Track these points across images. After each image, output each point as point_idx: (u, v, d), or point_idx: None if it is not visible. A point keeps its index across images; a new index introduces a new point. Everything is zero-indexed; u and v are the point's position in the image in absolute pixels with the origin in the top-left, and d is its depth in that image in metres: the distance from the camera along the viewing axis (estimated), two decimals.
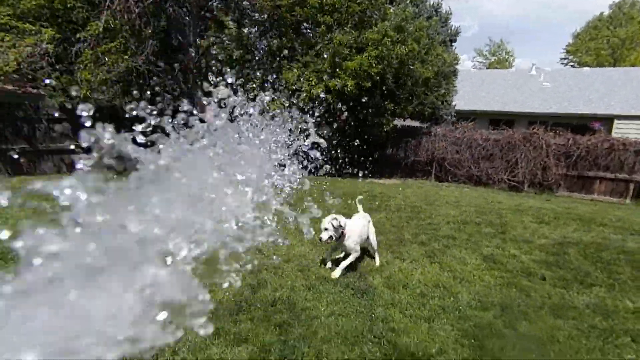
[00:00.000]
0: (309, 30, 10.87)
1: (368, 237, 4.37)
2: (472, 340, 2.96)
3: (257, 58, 11.66)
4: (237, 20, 11.21)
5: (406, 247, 5.10)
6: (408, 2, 12.29)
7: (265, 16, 10.78)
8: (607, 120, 14.15)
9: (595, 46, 35.24)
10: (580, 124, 13.75)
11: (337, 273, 4.00)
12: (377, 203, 7.76)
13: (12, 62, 11.18)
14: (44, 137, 9.71)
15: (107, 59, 10.54)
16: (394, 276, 4.10)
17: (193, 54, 11.18)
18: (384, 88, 10.51)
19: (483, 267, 4.55)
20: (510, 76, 20.06)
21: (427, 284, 3.97)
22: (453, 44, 14.09)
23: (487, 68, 35.36)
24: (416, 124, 13.88)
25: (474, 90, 18.30)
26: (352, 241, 4.04)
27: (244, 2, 10.80)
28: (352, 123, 10.98)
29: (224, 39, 12.20)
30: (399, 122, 12.79)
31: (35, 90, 12.71)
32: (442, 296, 3.71)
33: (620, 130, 13.55)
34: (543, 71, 19.46)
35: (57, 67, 12.67)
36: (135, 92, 12.20)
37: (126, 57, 10.43)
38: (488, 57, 39.23)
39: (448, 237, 5.60)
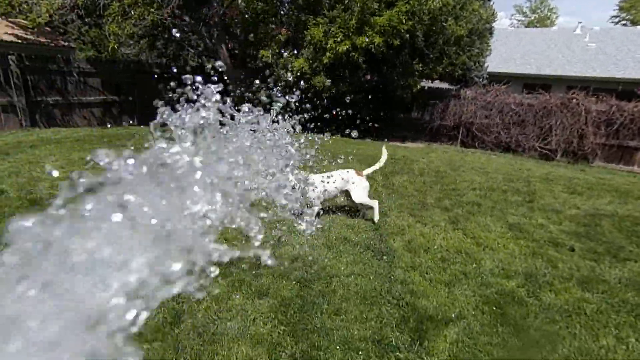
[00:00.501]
0: None
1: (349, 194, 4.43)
2: (494, 308, 2.92)
3: (282, 12, 11.16)
4: None
5: (429, 212, 5.00)
6: None
7: None
8: None
9: None
10: (626, 90, 12.71)
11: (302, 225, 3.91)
12: (399, 166, 7.59)
13: (45, 14, 11.19)
14: (76, 89, 9.87)
15: (133, 12, 10.36)
16: (415, 240, 4.05)
17: (217, 8, 10.80)
18: (413, 46, 9.91)
19: (508, 236, 4.42)
20: (551, 35, 18.51)
21: (449, 249, 3.91)
22: None
23: (526, 27, 32.68)
24: (445, 85, 13.22)
25: (509, 51, 17.08)
26: (312, 195, 4.22)
27: None
28: (378, 83, 10.54)
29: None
30: (426, 84, 12.21)
31: (66, 44, 12.80)
32: (464, 262, 3.65)
33: None
34: (589, 30, 17.80)
35: (87, 20, 12.61)
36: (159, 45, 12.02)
37: (152, 9, 10.21)
38: (528, 15, 36.17)
39: (473, 204, 5.45)
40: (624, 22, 33.15)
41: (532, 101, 10.60)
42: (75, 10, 11.92)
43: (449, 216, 4.89)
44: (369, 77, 10.81)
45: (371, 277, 3.22)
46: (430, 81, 12.49)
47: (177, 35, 11.92)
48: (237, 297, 2.82)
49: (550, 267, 3.73)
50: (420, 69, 10.42)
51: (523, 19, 36.31)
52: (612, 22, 34.19)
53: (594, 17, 57.62)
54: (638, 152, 9.61)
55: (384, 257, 3.61)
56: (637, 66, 13.91)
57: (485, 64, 12.82)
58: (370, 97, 10.58)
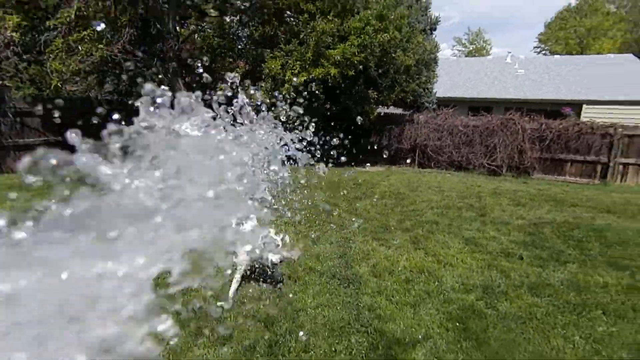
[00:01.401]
0: (292, 19, 10.73)
1: None
2: (457, 324, 3.14)
3: (239, 47, 11.46)
4: (219, 8, 10.91)
5: (391, 234, 5.26)
6: None
7: (248, 4, 10.55)
8: (577, 106, 14.69)
9: (564, 35, 36.89)
10: (552, 110, 14.24)
11: None
12: (362, 191, 7.91)
13: None
14: (10, 131, 9.25)
15: (80, 48, 10.12)
16: (380, 264, 4.24)
17: (172, 43, 10.88)
18: (367, 76, 10.55)
19: (465, 250, 4.76)
20: (487, 64, 20.43)
21: (412, 269, 4.14)
22: (433, 32, 14.18)
23: (466, 56, 35.85)
24: (399, 111, 14.03)
25: (453, 77, 18.56)
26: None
27: None
28: (337, 112, 11.00)
29: (205, 27, 11.89)
30: (382, 110, 12.91)
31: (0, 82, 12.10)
32: (427, 281, 3.88)
33: (588, 114, 14.08)
34: (517, 59, 19.93)
35: (25, 57, 12.05)
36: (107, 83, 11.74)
37: (101, 45, 10.05)
38: (467, 46, 39.87)
39: (431, 223, 5.80)
40: (544, 52, 37.88)
41: (477, 122, 11.54)
42: (11, 47, 11.42)
43: (410, 237, 5.17)
44: (328, 106, 11.26)
45: (338, 307, 3.28)
46: (385, 107, 13.22)
47: (131, 69, 11.76)
48: (198, 347, 2.69)
49: (504, 277, 4.06)
50: (375, 96, 11.05)
51: (463, 49, 39.96)
52: (535, 52, 38.85)
53: (520, 48, 64.95)
54: (567, 163, 10.75)
55: (350, 285, 3.74)
56: (557, 89, 15.72)
57: (434, 90, 13.84)
58: (331, 125, 11.01)
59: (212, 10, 10.81)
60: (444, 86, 16.66)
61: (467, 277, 4.05)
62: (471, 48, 39.58)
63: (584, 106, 14.63)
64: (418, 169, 11.96)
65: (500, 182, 10.01)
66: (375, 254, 4.53)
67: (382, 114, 12.71)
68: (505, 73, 18.32)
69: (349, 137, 12.29)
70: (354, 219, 5.61)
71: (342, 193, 7.51)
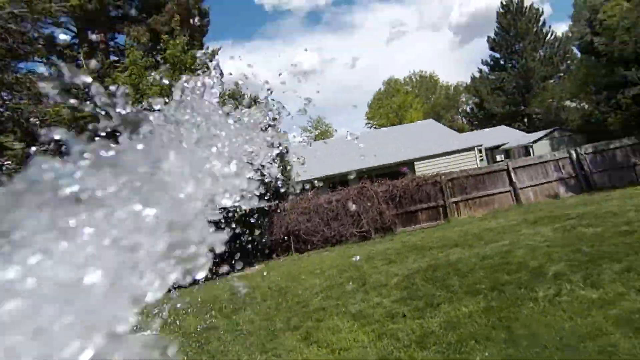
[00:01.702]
0: None
1: None
2: None
3: None
4: (23, 139, 9.61)
5: (280, 339, 4.81)
6: (227, 96, 13.23)
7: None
8: (411, 164, 17.87)
9: (384, 112, 47.03)
10: (394, 171, 16.85)
11: None
12: (242, 300, 7.31)
13: None
14: None
15: None
16: None
17: None
18: None
19: (355, 327, 4.63)
20: (333, 143, 23.49)
21: None
22: (277, 126, 15.68)
23: (315, 140, 40.77)
24: (263, 204, 14.28)
25: (309, 161, 20.46)
26: None
27: (30, 120, 9.47)
28: None
29: (7, 162, 10.26)
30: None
31: None
32: None
33: (420, 169, 17.20)
34: (355, 135, 23.64)
35: None
36: None
37: None
38: (312, 131, 45.83)
39: (319, 310, 5.59)
40: (373, 126, 47.04)
41: (338, 197, 12.58)
42: None
43: (300, 334, 4.81)
44: None
45: None
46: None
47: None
48: None
49: (395, 341, 4.03)
50: None
51: (310, 134, 45.70)
52: (367, 127, 47.85)
53: (353, 125, 78.91)
54: (418, 213, 12.49)
55: None
56: (394, 154, 19.04)
57: (293, 176, 14.80)
58: None
59: (15, 143, 9.47)
60: (301, 169, 18.09)
61: (363, 355, 3.86)
62: (317, 132, 45.74)
63: (416, 163, 17.84)
64: (297, 255, 11.97)
65: (371, 245, 10.75)
66: None
67: (247, 210, 12.70)
68: (351, 148, 21.26)
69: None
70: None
71: (218, 309, 6.76)
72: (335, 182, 17.38)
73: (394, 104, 47.99)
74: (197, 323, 6.09)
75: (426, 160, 17.80)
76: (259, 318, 5.79)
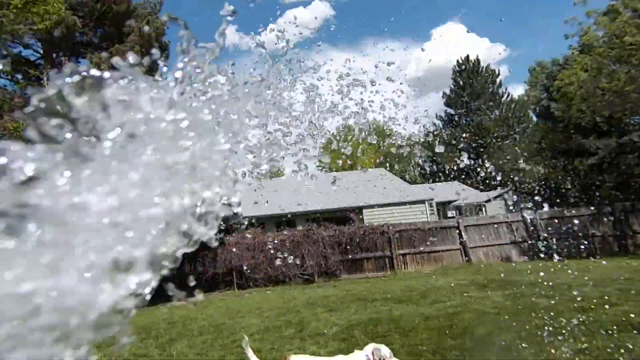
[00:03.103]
0: None
1: None
2: None
3: None
4: None
5: None
6: None
7: None
8: (359, 211, 18.39)
9: (336, 156, 48.78)
10: (341, 216, 17.25)
11: None
12: (177, 330, 6.87)
13: None
14: None
15: None
16: None
17: None
18: None
19: None
20: (283, 183, 23.60)
21: None
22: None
23: (263, 178, 40.84)
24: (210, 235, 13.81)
25: (255, 198, 20.28)
26: None
27: None
28: None
29: None
30: None
31: None
32: None
33: (368, 217, 17.77)
34: (305, 176, 24.03)
35: None
36: None
37: None
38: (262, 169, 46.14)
39: (253, 351, 5.38)
40: (324, 169, 48.19)
41: (282, 236, 12.54)
42: None
43: None
44: None
45: None
46: None
47: None
48: None
49: None
50: None
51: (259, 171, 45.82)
52: (318, 169, 48.90)
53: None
54: (364, 261, 12.74)
55: None
56: (342, 199, 19.52)
57: (239, 212, 14.55)
58: None
59: None
60: (250, 206, 17.84)
61: None
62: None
63: (364, 211, 18.35)
64: (238, 291, 11.53)
65: (313, 289, 10.69)
66: None
67: None
68: (300, 189, 21.46)
69: None
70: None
71: (154, 337, 6.33)
72: (282, 221, 17.35)
73: (344, 150, 50.09)
74: (132, 350, 5.67)
75: (375, 209, 18.42)
76: (192, 352, 5.47)
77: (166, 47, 14.15)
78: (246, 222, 14.77)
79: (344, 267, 12.61)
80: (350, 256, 12.66)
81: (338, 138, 51.12)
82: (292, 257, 12.07)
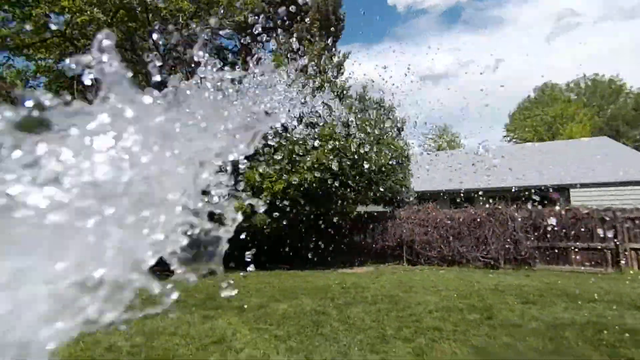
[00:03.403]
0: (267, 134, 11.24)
1: None
2: None
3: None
4: None
5: (390, 345, 4.39)
6: (354, 100, 13.37)
7: None
8: (564, 190, 14.77)
9: (531, 123, 39.31)
10: (540, 196, 14.26)
11: None
12: (351, 295, 7.08)
13: None
14: None
15: None
16: None
17: None
18: (342, 178, 10.61)
19: None
20: (461, 156, 21.45)
21: None
22: (401, 132, 15.07)
23: (437, 150, 37.84)
24: (379, 208, 13.87)
25: (430, 172, 19.16)
26: None
27: None
28: (316, 214, 10.70)
29: None
30: (362, 209, 12.70)
31: None
32: None
33: (578, 198, 14.03)
34: (490, 149, 21.06)
35: None
36: None
37: None
38: (436, 141, 42.50)
39: (433, 329, 4.91)
40: (513, 140, 40.47)
41: (462, 215, 11.27)
42: None
43: (412, 348, 4.29)
44: (306, 208, 11.02)
45: None
46: (365, 206, 13.05)
47: None
48: None
49: None
50: (353, 196, 10.92)
51: (433, 144, 42.53)
52: (505, 140, 41.52)
53: (489, 136, 69.27)
54: (570, 251, 10.05)
55: None
56: (540, 176, 16.10)
57: (412, 186, 13.98)
58: (310, 226, 10.60)
59: None
60: (421, 180, 16.99)
61: None
62: (441, 142, 41.97)
63: (571, 190, 14.61)
64: (408, 267, 11.15)
65: (499, 275, 9.23)
66: None
67: (362, 213, 12.47)
68: (481, 164, 19.04)
69: (330, 237, 11.79)
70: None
71: (330, 298, 6.73)
72: (458, 198, 15.79)
73: (547, 115, 39.44)
74: (312, 305, 6.21)
75: (589, 189, 14.34)
76: (369, 319, 5.46)
77: (342, 19, 14.56)
78: (415, 197, 14.13)
79: (540, 256, 10.39)
80: (550, 243, 10.28)
81: (536, 102, 41.55)
82: (471, 237, 10.78)
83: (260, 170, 10.36)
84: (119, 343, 4.55)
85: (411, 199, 13.62)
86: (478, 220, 11.00)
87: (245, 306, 6.26)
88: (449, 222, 11.35)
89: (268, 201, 10.06)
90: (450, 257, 11.03)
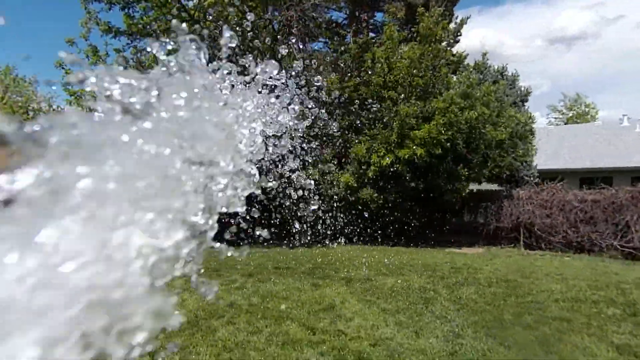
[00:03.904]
0: (374, 106, 11.32)
1: None
2: None
3: (330, 134, 12.24)
4: (302, 102, 12.09)
5: (509, 331, 4.35)
6: (472, 70, 12.41)
7: (332, 98, 11.54)
8: None
9: None
10: None
11: None
12: (462, 275, 7.00)
13: None
14: None
15: None
16: None
17: None
18: (455, 153, 10.19)
19: None
20: (597, 129, 18.35)
21: None
22: (525, 104, 13.54)
23: (566, 123, 32.88)
24: (494, 187, 12.97)
25: (555, 147, 16.93)
26: None
27: (311, 88, 11.76)
28: (424, 190, 10.59)
29: None
30: (474, 187, 12.07)
31: None
32: None
33: None
34: (638, 122, 17.46)
35: None
36: None
37: None
38: (565, 113, 36.80)
39: (560, 320, 4.68)
40: None
41: (597, 196, 9.91)
42: None
43: (535, 336, 4.20)
44: (413, 184, 10.97)
45: None
46: (477, 184, 12.36)
47: None
48: None
49: None
50: (466, 173, 10.46)
51: (560, 116, 36.86)
52: None
53: (634, 109, 56.89)
54: None
55: None
56: None
57: (534, 163, 12.66)
58: (417, 203, 10.57)
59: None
60: (544, 157, 15.20)
61: None
62: (570, 114, 36.24)
63: None
64: (525, 251, 10.38)
65: None
66: (494, 355, 3.71)
67: (474, 191, 11.87)
68: (625, 138, 16.07)
69: (437, 215, 11.57)
70: None
71: (439, 277, 6.76)
72: (592, 177, 13.73)
73: None
74: (421, 282, 6.36)
75: None
76: (483, 301, 5.42)
77: None
78: (537, 175, 12.78)
79: None
80: None
81: None
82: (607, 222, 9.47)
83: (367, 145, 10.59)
84: (239, 301, 5.12)
85: (532, 178, 12.40)
86: (618, 203, 9.55)
87: (352, 277, 6.54)
88: (578, 204, 10.12)
89: (375, 176, 10.33)
90: (578, 244, 9.92)
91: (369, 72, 11.14)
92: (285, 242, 10.02)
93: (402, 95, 10.45)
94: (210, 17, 12.91)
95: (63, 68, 12.00)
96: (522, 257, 9.52)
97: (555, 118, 36.89)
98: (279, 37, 12.62)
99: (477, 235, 11.58)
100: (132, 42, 13.48)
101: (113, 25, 13.05)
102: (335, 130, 10.60)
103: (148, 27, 13.43)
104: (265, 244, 9.65)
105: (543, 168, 13.99)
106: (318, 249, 9.64)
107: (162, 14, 13.01)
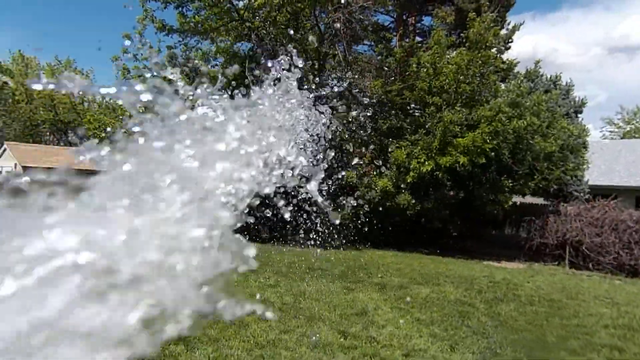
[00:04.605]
0: (417, 111, 11.17)
1: None
2: None
3: (364, 138, 12.26)
4: (346, 104, 12.15)
5: (552, 354, 4.21)
6: (523, 78, 11.90)
7: (375, 100, 11.50)
8: None
9: None
10: None
11: None
12: (502, 291, 6.77)
13: None
14: None
15: None
16: None
17: None
18: (500, 163, 9.85)
19: None
20: None
21: None
22: (579, 115, 12.80)
23: (622, 138, 30.62)
24: (540, 201, 12.39)
25: (609, 163, 15.85)
26: None
27: (353, 91, 11.78)
28: (464, 200, 10.32)
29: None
30: (518, 199, 11.61)
31: None
32: None
33: None
34: None
35: None
36: None
37: None
38: (621, 126, 34.20)
39: (611, 347, 4.45)
40: None
41: None
42: None
43: None
44: (452, 193, 10.72)
45: None
46: (521, 196, 11.86)
47: None
48: None
49: None
50: (510, 184, 10.07)
51: (617, 130, 34.35)
52: None
53: None
54: None
55: None
56: None
57: (585, 178, 11.95)
58: (456, 213, 10.33)
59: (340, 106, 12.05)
60: (597, 172, 14.28)
61: None
62: (628, 129, 33.62)
63: None
64: (571, 270, 9.85)
65: None
66: None
67: (517, 204, 11.41)
68: None
69: (477, 226, 11.24)
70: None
71: (476, 290, 6.57)
72: None
73: None
74: (457, 294, 6.23)
75: None
76: (523, 320, 5.25)
77: None
78: (588, 191, 12.05)
79: None
80: None
81: None
82: None
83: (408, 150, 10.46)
84: (272, 299, 5.18)
85: (582, 193, 11.72)
86: None
87: (386, 284, 6.47)
88: (633, 224, 9.46)
89: (414, 182, 10.19)
90: (631, 267, 9.29)
91: (414, 77, 11.01)
92: (316, 243, 10.14)
93: (447, 101, 10.23)
94: (257, 18, 13.27)
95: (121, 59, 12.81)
96: (567, 276, 9.05)
97: (611, 132, 34.38)
98: (324, 39, 12.74)
99: (518, 250, 11.12)
100: (182, 39, 14.12)
101: (167, 23, 13.75)
102: (368, 133, 10.56)
103: (199, 25, 14.01)
104: (297, 244, 9.80)
105: (595, 184, 13.15)
106: (351, 252, 9.68)
107: (213, 13, 13.51)
